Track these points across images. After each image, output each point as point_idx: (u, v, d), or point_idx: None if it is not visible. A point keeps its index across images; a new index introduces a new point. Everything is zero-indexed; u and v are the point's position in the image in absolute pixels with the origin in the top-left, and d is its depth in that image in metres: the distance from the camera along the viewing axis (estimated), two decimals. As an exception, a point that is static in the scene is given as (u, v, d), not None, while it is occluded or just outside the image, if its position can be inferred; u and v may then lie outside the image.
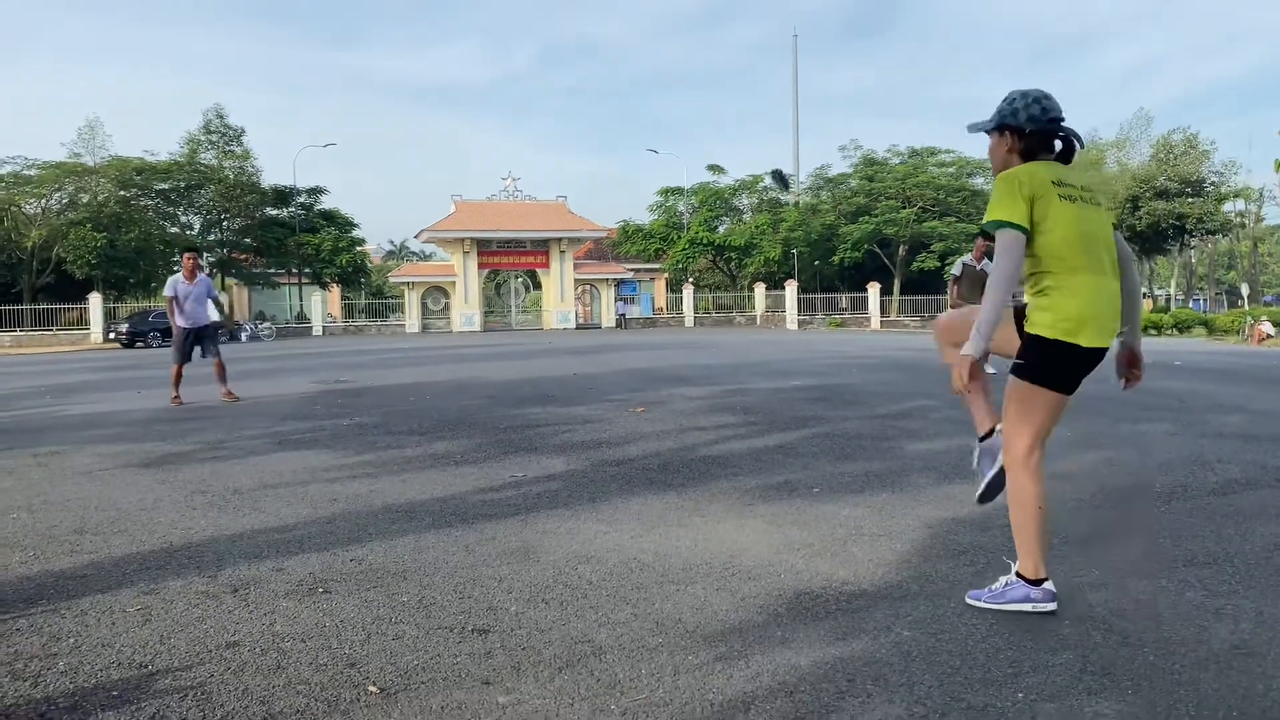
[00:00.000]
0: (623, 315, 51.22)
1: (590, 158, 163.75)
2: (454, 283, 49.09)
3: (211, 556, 4.11)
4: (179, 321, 11.46)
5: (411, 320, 49.03)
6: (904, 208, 49.85)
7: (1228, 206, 56.68)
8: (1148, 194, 54.13)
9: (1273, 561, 3.81)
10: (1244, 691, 2.57)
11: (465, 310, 48.77)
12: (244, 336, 41.01)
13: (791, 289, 50.32)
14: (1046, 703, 2.51)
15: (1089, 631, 3.04)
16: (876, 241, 50.78)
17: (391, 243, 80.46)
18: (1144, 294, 72.55)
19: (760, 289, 52.72)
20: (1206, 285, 74.91)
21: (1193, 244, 61.83)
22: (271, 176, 53.19)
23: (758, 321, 51.78)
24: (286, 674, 2.75)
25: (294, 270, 50.69)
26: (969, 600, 3.37)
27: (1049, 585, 3.27)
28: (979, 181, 53.86)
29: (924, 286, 50.80)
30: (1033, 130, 3.29)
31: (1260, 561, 3.81)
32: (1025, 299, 3.33)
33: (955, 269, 13.08)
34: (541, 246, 50.12)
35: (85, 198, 44.23)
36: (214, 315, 11.74)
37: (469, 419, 8.99)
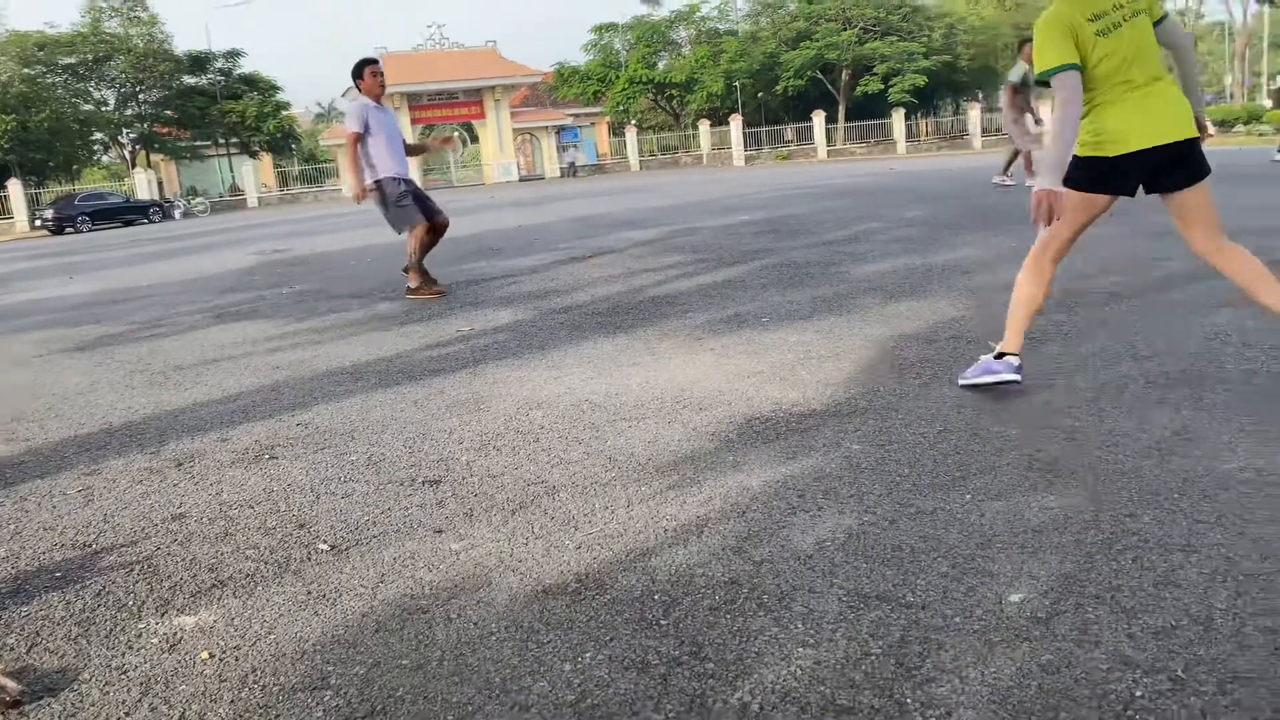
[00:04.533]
0: (571, 164, 49.96)
1: None
2: (388, 142, 47.40)
3: (154, 433, 4.02)
4: (389, 170, 7.16)
5: (347, 184, 47.55)
6: (845, 29, 48.42)
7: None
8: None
9: (1211, 350, 3.86)
10: (1184, 475, 2.62)
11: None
12: (177, 214, 39.65)
13: (736, 124, 49.19)
14: (993, 501, 2.55)
15: (1035, 431, 3.08)
16: (819, 68, 49.49)
17: (319, 105, 77.03)
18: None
19: (704, 126, 51.44)
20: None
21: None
22: (184, 43, 50.39)
23: (704, 160, 50.85)
24: (235, 540, 2.72)
25: (220, 141, 48.68)
26: (959, 382, 3.67)
27: (1012, 359, 3.55)
28: (920, -4, 52.34)
29: (869, 111, 49.89)
30: None
31: (1200, 349, 3.87)
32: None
33: (1014, 75, 12.13)
34: (475, 96, 48.29)
35: (-14, 79, 41.72)
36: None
37: (413, 278, 8.80)
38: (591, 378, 4.35)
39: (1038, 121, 12.58)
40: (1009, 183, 12.72)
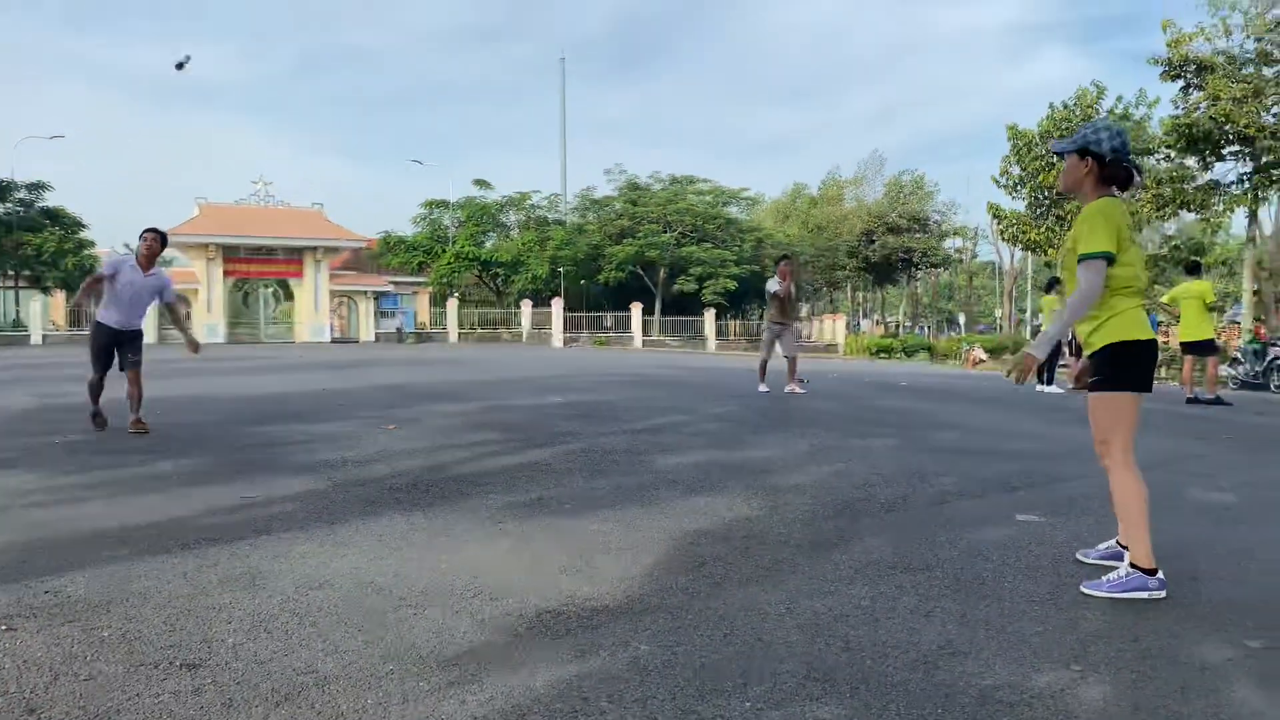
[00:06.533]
0: (400, 328, 49.83)
1: (350, 166, 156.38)
2: (196, 290, 45.81)
3: None
4: (105, 316, 8.55)
5: (146, 329, 45.20)
6: (665, 232, 51.54)
7: (948, 243, 63.40)
8: (881, 229, 59.17)
9: (975, 566, 4.15)
10: (948, 689, 2.75)
11: (208, 320, 45.48)
12: (-60, 346, 36.38)
13: (558, 306, 50.70)
14: (773, 710, 2.58)
15: (813, 638, 3.17)
16: (640, 263, 52.14)
17: (127, 246, 73.58)
18: (876, 320, 78.96)
19: (527, 306, 52.69)
20: (930, 313, 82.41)
21: (918, 275, 68.23)
22: (-6, 172, 47.53)
23: (524, 338, 51.69)
24: (-56, 729, 2.39)
25: (10, 273, 45.62)
26: (1085, 590, 3.67)
27: (1161, 576, 3.65)
28: (733, 210, 56.75)
29: (684, 308, 52.81)
30: (1113, 160, 3.71)
31: (966, 566, 4.14)
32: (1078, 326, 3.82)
33: (773, 286, 13.47)
34: (295, 255, 47.70)
35: None
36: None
37: (201, 437, 8.36)
38: (381, 558, 4.19)
39: (794, 326, 13.90)
40: (800, 390, 13.48)
